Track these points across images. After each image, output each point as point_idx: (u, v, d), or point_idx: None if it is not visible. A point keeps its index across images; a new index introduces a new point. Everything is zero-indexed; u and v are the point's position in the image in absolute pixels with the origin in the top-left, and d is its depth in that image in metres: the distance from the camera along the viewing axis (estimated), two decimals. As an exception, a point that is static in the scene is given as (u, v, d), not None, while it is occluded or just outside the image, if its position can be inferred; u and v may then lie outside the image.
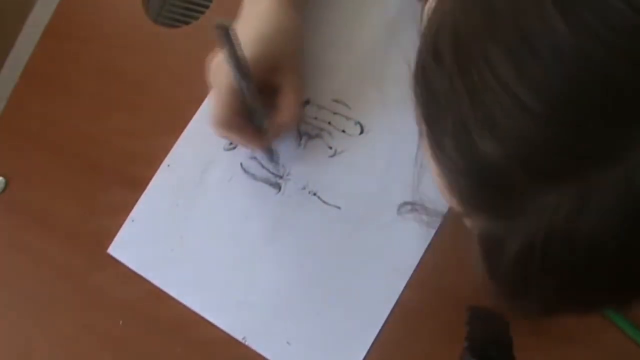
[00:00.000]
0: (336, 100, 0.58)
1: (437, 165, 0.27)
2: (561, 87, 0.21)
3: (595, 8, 0.20)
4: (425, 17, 0.27)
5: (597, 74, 0.20)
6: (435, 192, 0.28)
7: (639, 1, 0.19)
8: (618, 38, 0.19)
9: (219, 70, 0.51)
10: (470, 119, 0.23)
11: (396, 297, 0.51)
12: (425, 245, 0.51)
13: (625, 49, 0.19)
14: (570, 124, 0.21)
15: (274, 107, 0.53)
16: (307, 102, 0.58)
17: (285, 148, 0.58)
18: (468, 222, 0.27)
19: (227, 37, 0.43)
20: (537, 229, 0.23)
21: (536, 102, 0.21)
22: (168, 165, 0.61)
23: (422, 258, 0.51)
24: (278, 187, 0.57)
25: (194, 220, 0.58)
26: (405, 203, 0.33)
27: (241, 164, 0.58)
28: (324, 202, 0.55)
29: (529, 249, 0.23)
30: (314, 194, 0.56)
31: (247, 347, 0.53)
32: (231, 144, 0.59)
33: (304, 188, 0.56)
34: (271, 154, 0.56)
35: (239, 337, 0.54)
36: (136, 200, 0.60)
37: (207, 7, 0.68)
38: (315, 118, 0.58)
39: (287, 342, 0.52)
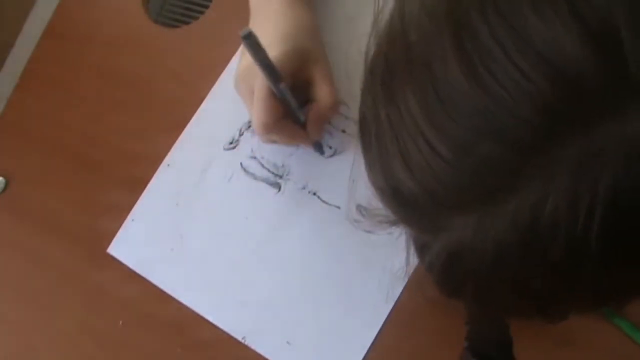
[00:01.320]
0: (336, 100, 0.58)
1: (367, 177, 0.30)
2: (461, 133, 0.23)
3: (486, 60, 0.22)
4: (372, 37, 0.29)
5: (490, 124, 0.22)
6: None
7: (523, 64, 0.21)
8: (511, 98, 0.21)
9: (249, 76, 0.51)
10: (390, 146, 0.26)
11: (396, 297, 0.51)
12: (425, 245, 0.51)
13: (515, 107, 0.21)
14: (469, 166, 0.23)
15: (310, 100, 0.53)
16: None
17: (285, 148, 0.58)
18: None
19: (254, 45, 0.43)
20: (450, 244, 0.26)
21: (440, 144, 0.23)
22: (168, 165, 0.61)
23: (422, 258, 0.51)
24: (278, 186, 0.57)
25: (194, 220, 0.58)
26: (359, 206, 0.36)
27: (241, 164, 0.58)
28: (323, 202, 0.55)
29: (446, 259, 0.26)
30: (314, 194, 0.56)
31: (247, 347, 0.53)
32: (231, 143, 0.59)
33: (303, 188, 0.56)
34: (318, 147, 0.56)
35: (239, 337, 0.54)
36: (136, 200, 0.60)
37: (207, 7, 0.68)
38: (315, 118, 0.58)
39: (287, 342, 0.52)
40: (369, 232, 0.33)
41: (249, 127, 0.59)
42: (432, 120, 0.24)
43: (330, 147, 0.57)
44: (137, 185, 0.61)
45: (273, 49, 0.49)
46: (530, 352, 0.44)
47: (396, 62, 0.26)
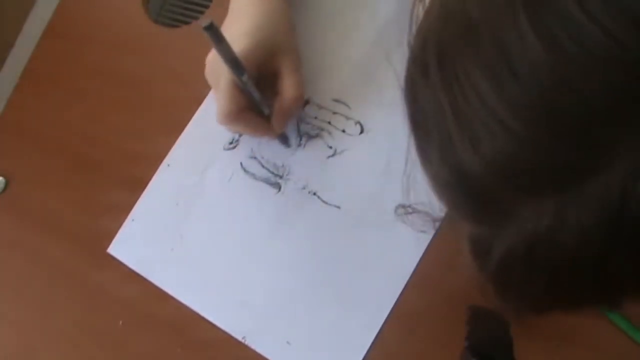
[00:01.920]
0: (336, 100, 0.58)
1: (424, 172, 0.28)
2: (538, 107, 0.21)
3: (568, 27, 0.20)
4: (413, 27, 0.28)
5: (571, 95, 0.20)
6: (428, 197, 0.29)
7: (612, 26, 0.19)
8: (590, 60, 0.20)
9: (215, 66, 0.52)
10: (454, 133, 0.24)
11: (396, 297, 0.51)
12: (425, 245, 0.51)
13: (598, 71, 0.20)
14: (547, 142, 0.21)
15: (276, 92, 0.54)
16: (307, 102, 0.58)
17: (285, 148, 0.58)
18: (458, 225, 0.28)
19: (215, 36, 0.44)
20: (520, 237, 0.24)
21: (514, 121, 0.22)
22: (168, 165, 0.61)
23: (421, 258, 0.51)
24: (278, 186, 0.57)
25: (194, 220, 0.58)
26: (400, 206, 0.34)
27: (241, 164, 0.58)
28: (323, 201, 0.55)
29: (513, 255, 0.24)
30: (314, 194, 0.56)
31: (247, 347, 0.53)
32: (231, 143, 0.59)
33: (303, 188, 0.56)
34: (284, 140, 0.57)
35: (239, 337, 0.54)
36: (136, 200, 0.60)
37: (207, 7, 0.68)
38: (315, 118, 0.58)
39: (287, 342, 0.52)
40: (423, 231, 0.32)
41: (249, 127, 0.59)
42: (504, 96, 0.22)
43: (330, 147, 0.57)
44: (137, 185, 0.61)
45: (241, 41, 0.50)
46: (530, 352, 0.44)
47: (454, 43, 0.24)
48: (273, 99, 0.54)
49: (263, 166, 0.58)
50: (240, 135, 0.59)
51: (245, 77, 0.49)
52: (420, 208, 0.31)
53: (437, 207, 0.30)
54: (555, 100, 0.21)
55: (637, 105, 0.20)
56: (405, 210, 0.33)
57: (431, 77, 0.25)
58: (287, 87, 0.53)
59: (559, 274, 0.24)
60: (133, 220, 0.60)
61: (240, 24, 0.53)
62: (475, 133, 0.23)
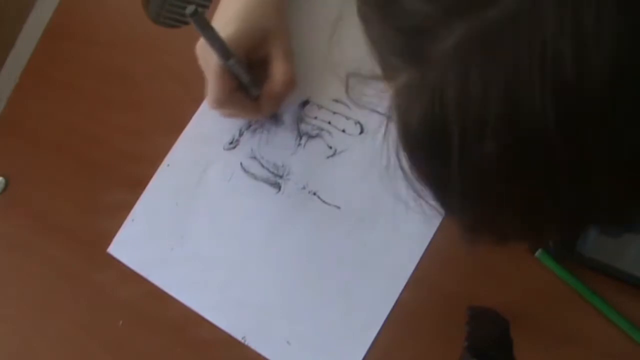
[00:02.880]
0: (336, 100, 0.58)
1: (360, 20, 0.28)
2: None
3: None
4: None
5: None
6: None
7: None
8: None
9: (205, 52, 0.53)
10: None
11: (396, 297, 0.51)
12: (425, 246, 0.51)
13: None
14: None
15: (267, 76, 0.54)
16: (307, 102, 0.58)
17: (285, 148, 0.58)
18: (388, 86, 0.27)
19: (201, 22, 0.45)
20: (434, 84, 0.23)
21: None
22: (168, 165, 0.61)
23: (421, 258, 0.51)
24: (278, 186, 0.57)
25: (194, 220, 0.58)
26: (348, 74, 0.33)
27: (241, 164, 0.58)
28: (323, 201, 0.55)
29: (429, 110, 0.23)
30: (314, 194, 0.56)
31: (247, 347, 0.53)
32: (231, 143, 0.59)
33: (303, 188, 0.56)
34: (275, 121, 0.58)
35: (239, 337, 0.54)
36: (136, 200, 0.60)
37: (207, 7, 0.68)
38: (315, 118, 0.58)
39: (287, 342, 0.52)
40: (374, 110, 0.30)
41: (249, 127, 0.59)
42: None
43: (330, 147, 0.57)
44: (137, 185, 0.61)
45: (230, 26, 0.51)
46: (530, 352, 0.44)
47: None
48: (264, 82, 0.54)
49: (263, 166, 0.58)
50: (240, 135, 0.59)
51: (232, 62, 0.50)
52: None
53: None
54: None
55: None
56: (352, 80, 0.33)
57: None
58: (277, 72, 0.54)
59: (469, 138, 0.23)
60: (133, 220, 0.60)
61: (232, 8, 0.54)
62: None
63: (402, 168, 0.28)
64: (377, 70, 0.28)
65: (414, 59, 0.24)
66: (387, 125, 0.27)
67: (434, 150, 0.25)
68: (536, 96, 0.21)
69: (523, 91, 0.21)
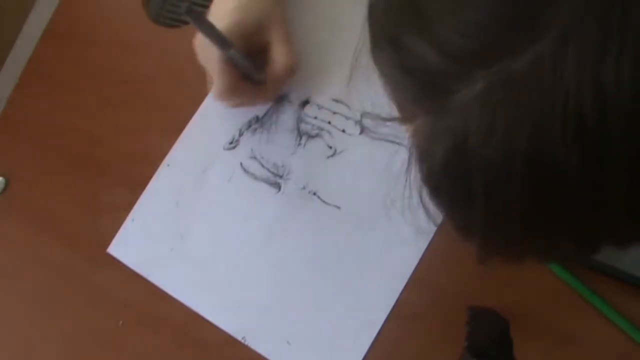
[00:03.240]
0: (336, 100, 0.58)
1: (375, 65, 0.28)
2: None
3: None
4: None
5: None
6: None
7: None
8: None
9: (204, 48, 0.53)
10: (400, 10, 0.25)
11: (395, 297, 0.51)
12: (425, 246, 0.51)
13: None
14: (488, 6, 0.22)
15: (268, 61, 0.55)
16: (307, 102, 0.58)
17: (285, 148, 0.58)
18: (408, 130, 0.28)
19: (196, 18, 0.46)
20: (456, 128, 0.23)
21: None
22: (168, 165, 0.61)
23: (421, 258, 0.51)
24: (278, 186, 0.57)
25: (194, 220, 0.58)
26: (363, 113, 0.34)
27: (241, 164, 0.58)
28: (323, 201, 0.55)
29: (452, 152, 0.24)
30: (314, 194, 0.56)
31: (246, 347, 0.53)
32: (231, 143, 0.59)
33: (303, 188, 0.56)
34: (282, 102, 0.58)
35: (239, 337, 0.53)
36: (136, 200, 0.60)
37: (207, 7, 0.68)
38: (315, 117, 0.58)
39: (287, 342, 0.52)
40: (378, 138, 0.31)
41: (249, 126, 0.59)
42: None
43: (330, 147, 0.57)
44: (137, 185, 0.61)
45: (226, 17, 0.52)
46: (530, 352, 0.44)
47: None
48: (266, 68, 0.55)
49: (263, 166, 0.58)
50: (240, 135, 0.59)
51: (232, 52, 0.50)
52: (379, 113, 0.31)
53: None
54: None
55: None
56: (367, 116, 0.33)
57: None
58: (278, 57, 0.54)
59: (494, 177, 0.23)
60: (133, 220, 0.60)
61: (228, 1, 0.54)
62: (421, 7, 0.24)
63: (421, 199, 0.28)
64: (394, 112, 0.29)
65: (431, 106, 0.25)
66: (409, 162, 0.28)
67: (457, 191, 0.25)
68: (560, 142, 0.21)
69: (547, 138, 0.21)
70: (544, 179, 0.22)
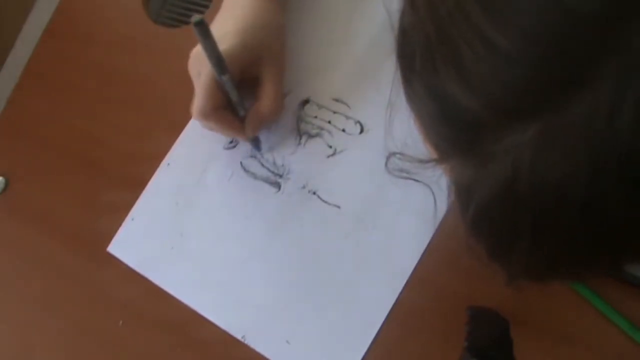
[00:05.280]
0: (336, 99, 0.58)
1: (410, 107, 0.28)
2: (525, 22, 0.21)
3: None
4: None
5: (557, 8, 0.20)
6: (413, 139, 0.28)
7: None
8: None
9: (198, 62, 0.52)
10: (438, 58, 0.24)
11: (395, 296, 0.51)
12: (425, 245, 0.51)
13: None
14: (534, 57, 0.21)
15: (255, 98, 0.54)
16: (307, 101, 0.58)
17: (285, 147, 0.58)
18: (445, 170, 0.28)
19: (204, 33, 0.45)
20: (505, 172, 0.23)
21: (502, 39, 0.21)
22: (168, 165, 0.61)
23: (421, 258, 0.51)
24: (278, 186, 0.57)
25: (194, 219, 0.58)
26: (390, 154, 0.33)
27: (241, 163, 0.58)
28: (323, 201, 0.55)
29: (499, 194, 0.23)
30: (314, 193, 0.56)
31: (246, 346, 0.53)
32: (231, 142, 0.59)
33: (303, 187, 0.56)
34: (256, 144, 0.57)
35: (239, 336, 0.53)
36: (136, 199, 0.60)
37: (207, 7, 0.68)
38: (315, 117, 0.58)
39: (287, 341, 0.52)
40: (413, 179, 0.30)
41: (249, 126, 0.59)
42: (491, 14, 0.21)
43: (330, 147, 0.57)
44: (137, 184, 0.61)
45: (227, 41, 0.50)
46: (530, 352, 0.44)
47: None
48: (251, 102, 0.54)
49: (263, 165, 0.58)
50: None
51: (226, 77, 0.49)
52: (408, 153, 0.31)
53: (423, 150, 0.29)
54: (541, 13, 0.20)
55: (622, 20, 0.19)
56: (395, 158, 0.33)
57: (417, 2, 0.25)
58: (266, 97, 0.53)
59: (544, 218, 0.23)
60: (133, 219, 0.60)
61: (231, 23, 0.53)
62: (461, 58, 0.22)
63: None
64: (423, 154, 0.28)
65: (473, 150, 0.24)
66: (449, 196, 0.28)
67: (501, 228, 0.25)
68: (613, 187, 0.21)
69: (601, 184, 0.21)
70: (594, 219, 0.22)
